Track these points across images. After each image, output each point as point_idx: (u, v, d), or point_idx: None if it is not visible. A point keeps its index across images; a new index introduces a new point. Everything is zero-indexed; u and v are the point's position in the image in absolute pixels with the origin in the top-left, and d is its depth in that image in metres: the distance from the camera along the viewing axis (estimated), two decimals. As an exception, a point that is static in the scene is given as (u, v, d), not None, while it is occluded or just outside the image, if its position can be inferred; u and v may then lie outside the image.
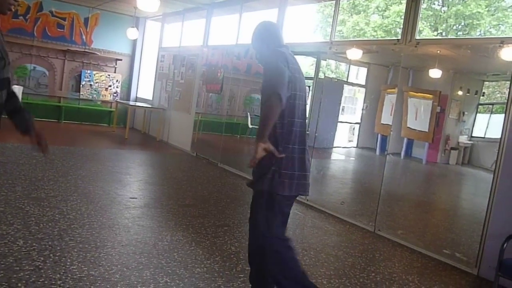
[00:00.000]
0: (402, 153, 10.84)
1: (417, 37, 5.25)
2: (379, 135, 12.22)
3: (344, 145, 13.21)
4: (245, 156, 10.60)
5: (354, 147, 13.39)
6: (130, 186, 5.92)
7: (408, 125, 10.46)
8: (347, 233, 5.08)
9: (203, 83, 9.61)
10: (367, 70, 13.29)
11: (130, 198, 5.29)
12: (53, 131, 10.01)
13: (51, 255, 3.36)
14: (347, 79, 14.28)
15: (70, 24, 11.21)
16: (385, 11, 17.81)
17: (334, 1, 6.46)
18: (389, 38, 15.62)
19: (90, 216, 4.40)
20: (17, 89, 9.87)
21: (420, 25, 6.00)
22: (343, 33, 17.81)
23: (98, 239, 3.82)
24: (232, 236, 4.38)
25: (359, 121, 13.43)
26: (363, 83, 13.60)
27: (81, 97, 11.49)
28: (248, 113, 12.25)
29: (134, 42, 11.99)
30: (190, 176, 7.12)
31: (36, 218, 4.10)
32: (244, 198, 6.13)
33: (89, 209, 4.60)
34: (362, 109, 13.38)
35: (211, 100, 12.45)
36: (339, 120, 12.59)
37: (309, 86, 12.90)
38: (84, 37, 11.42)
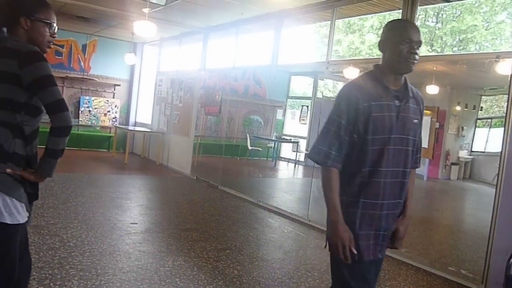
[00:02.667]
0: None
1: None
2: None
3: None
4: (245, 178, 10.57)
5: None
6: (131, 211, 5.88)
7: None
8: (351, 252, 5.02)
9: (202, 106, 9.63)
10: (365, 88, 13.36)
11: (131, 223, 5.24)
12: (52, 158, 9.96)
13: (51, 284, 3.31)
14: (345, 98, 14.32)
15: (68, 51, 11.30)
16: (379, 29, 17.98)
17: (330, 21, 6.50)
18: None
19: (91, 243, 4.35)
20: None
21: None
22: (339, 52, 17.95)
23: (99, 266, 3.77)
24: (234, 260, 4.33)
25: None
26: (361, 101, 13.66)
27: (80, 123, 11.51)
28: (247, 135, 12.27)
29: (132, 67, 12.06)
30: (190, 200, 7.08)
31: (36, 247, 4.06)
32: (245, 220, 6.09)
33: (90, 236, 4.55)
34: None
35: (210, 123, 12.46)
36: (338, 139, 12.60)
37: (307, 106, 12.98)
38: (82, 63, 11.50)
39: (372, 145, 2.00)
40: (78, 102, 11.48)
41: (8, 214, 1.91)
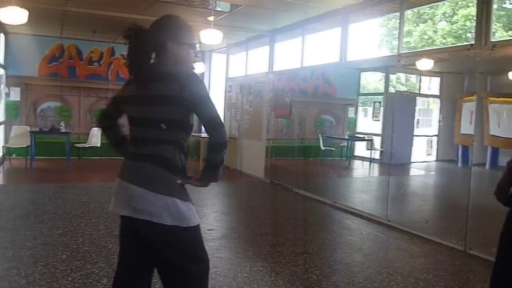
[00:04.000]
0: (488, 164, 10.21)
1: (492, 40, 4.91)
2: (459, 146, 11.63)
3: (422, 159, 12.68)
4: (320, 179, 10.42)
5: (433, 160, 12.82)
6: (207, 218, 5.94)
7: (491, 133, 9.87)
8: (435, 254, 4.75)
9: (272, 109, 9.61)
10: (440, 79, 12.77)
11: (208, 230, 5.28)
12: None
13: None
14: (419, 91, 13.81)
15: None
16: (452, 16, 17.15)
17: (399, 13, 6.24)
18: (460, 44, 14.97)
19: (170, 250, 4.42)
20: (96, 131, 10.37)
21: (493, 26, 5.64)
22: (410, 44, 17.32)
23: (178, 273, 3.81)
24: (312, 264, 4.22)
25: (436, 133, 12.88)
26: (437, 93, 13.07)
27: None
28: (320, 135, 12.11)
29: (202, 75, 12.28)
30: (265, 204, 7.06)
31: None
32: (322, 223, 5.97)
33: (168, 244, 4.63)
34: (439, 121, 12.82)
35: (281, 125, 12.42)
36: (415, 134, 12.13)
37: (379, 102, 12.61)
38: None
39: None
40: (153, 113, 11.86)
41: (194, 216, 2.13)
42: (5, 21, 6.62)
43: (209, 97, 2.10)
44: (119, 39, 10.71)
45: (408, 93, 13.31)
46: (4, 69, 10.26)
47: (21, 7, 6.13)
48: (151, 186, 2.05)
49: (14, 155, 10.34)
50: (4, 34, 10.09)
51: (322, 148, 11.83)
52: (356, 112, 13.50)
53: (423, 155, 12.65)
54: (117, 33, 10.02)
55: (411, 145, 11.82)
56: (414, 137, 12.03)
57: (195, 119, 2.10)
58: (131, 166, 2.16)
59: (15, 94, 10.61)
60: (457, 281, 4.00)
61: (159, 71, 2.09)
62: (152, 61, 2.15)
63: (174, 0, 7.13)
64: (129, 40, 2.10)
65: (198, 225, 2.15)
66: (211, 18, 7.63)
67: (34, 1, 7.00)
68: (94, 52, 11.24)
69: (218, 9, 7.64)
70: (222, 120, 2.11)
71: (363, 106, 14.44)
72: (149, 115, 2.09)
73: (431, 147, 12.79)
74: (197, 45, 2.23)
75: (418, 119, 12.47)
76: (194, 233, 2.14)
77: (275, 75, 9.53)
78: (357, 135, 12.64)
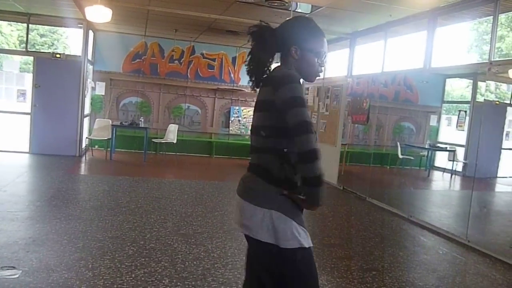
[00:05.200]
0: None
1: None
2: (553, 162, 10.67)
3: (510, 174, 11.78)
4: (395, 189, 9.97)
5: (524, 176, 11.87)
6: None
7: None
8: (521, 283, 4.31)
9: (349, 114, 9.32)
10: (535, 89, 11.80)
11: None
12: (204, 166, 10.51)
13: (193, 297, 3.34)
14: (511, 101, 12.84)
15: (219, 64, 11.86)
16: (553, 22, 15.84)
17: (492, 17, 5.77)
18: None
19: (234, 255, 4.35)
20: (173, 128, 10.62)
21: None
22: (502, 50, 16.22)
23: (239, 280, 3.72)
24: (381, 283, 3.97)
25: (527, 146, 11.91)
26: (531, 103, 12.09)
27: (230, 132, 11.99)
28: (398, 143, 11.61)
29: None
30: (336, 212, 6.81)
31: (183, 256, 4.18)
32: (394, 238, 5.65)
33: (233, 247, 4.57)
34: (532, 133, 11.85)
35: (358, 130, 12.07)
36: (503, 146, 11.30)
37: (465, 111, 11.88)
38: (232, 75, 11.97)
39: None
40: (229, 112, 11.96)
41: (298, 238, 1.89)
42: (91, 19, 6.90)
43: (300, 99, 1.81)
44: (199, 38, 10.90)
45: (498, 102, 12.43)
46: (92, 64, 10.77)
47: (106, 6, 6.36)
48: (252, 199, 1.92)
49: (96, 146, 10.86)
50: (93, 32, 10.59)
51: (400, 156, 11.32)
52: (439, 121, 12.83)
53: (512, 170, 11.75)
54: (197, 32, 10.20)
55: (499, 158, 11.02)
56: (503, 150, 11.21)
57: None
58: (242, 178, 2.07)
59: (100, 89, 11.13)
60: (546, 317, 3.59)
61: (273, 75, 1.94)
62: (277, 63, 2.02)
63: (255, 1, 7.08)
64: (252, 37, 1.99)
65: (304, 248, 1.88)
66: (291, 20, 7.51)
67: (119, 0, 7.25)
68: (175, 50, 11.52)
69: (299, 10, 7.50)
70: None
71: (447, 114, 13.69)
72: (254, 122, 2.00)
73: (522, 162, 11.86)
74: (325, 55, 2.05)
75: (508, 131, 11.59)
76: (294, 256, 1.86)
77: (354, 79, 9.23)
78: (438, 144, 11.98)
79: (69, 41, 25.71)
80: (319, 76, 2.10)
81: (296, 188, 1.90)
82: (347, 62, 9.47)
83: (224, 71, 11.91)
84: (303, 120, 1.78)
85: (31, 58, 10.40)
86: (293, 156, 1.83)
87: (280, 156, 1.89)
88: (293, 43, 1.97)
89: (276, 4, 7.20)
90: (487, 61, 5.73)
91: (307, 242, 1.90)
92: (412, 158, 11.64)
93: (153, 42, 11.42)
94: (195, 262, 4.05)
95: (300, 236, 1.88)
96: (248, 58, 1.99)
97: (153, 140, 10.73)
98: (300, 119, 1.77)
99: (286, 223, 1.86)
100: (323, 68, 2.05)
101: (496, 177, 11.13)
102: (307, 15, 7.68)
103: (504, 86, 14.30)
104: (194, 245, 4.54)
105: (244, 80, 12.00)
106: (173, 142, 10.52)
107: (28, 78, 15.89)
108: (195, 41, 11.41)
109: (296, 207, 1.92)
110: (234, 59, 11.96)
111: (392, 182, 10.92)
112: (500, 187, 11.21)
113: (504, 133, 11.52)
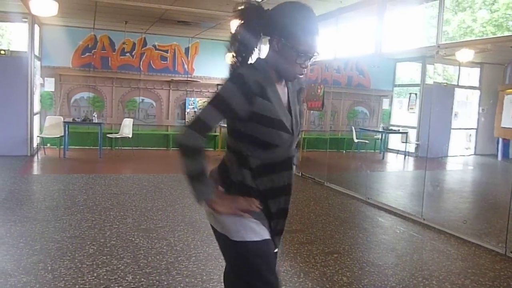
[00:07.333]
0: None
1: (541, 29, 4.58)
2: (500, 140, 11.19)
3: (460, 153, 12.25)
4: (352, 172, 10.19)
5: (472, 154, 12.38)
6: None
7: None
8: (473, 256, 4.51)
9: (304, 101, 9.41)
10: (480, 70, 12.29)
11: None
12: (162, 159, 10.39)
13: (158, 291, 3.32)
14: (458, 82, 13.32)
15: (172, 56, 11.69)
16: (493, 4, 16.46)
17: (438, 1, 5.94)
18: (500, 33, 14.36)
19: (197, 247, 4.34)
20: (128, 122, 10.43)
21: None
22: (448, 33, 16.75)
23: (204, 272, 3.73)
24: (343, 265, 4.06)
25: (475, 126, 12.41)
26: (477, 85, 12.58)
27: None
28: (353, 127, 11.85)
29: (233, 66, 12.17)
30: (296, 198, 6.90)
31: (145, 251, 4.13)
32: (353, 220, 5.78)
33: (196, 240, 4.55)
34: (478, 113, 12.35)
35: (313, 117, 12.22)
36: (452, 126, 11.73)
37: (415, 94, 12.24)
38: (186, 66, 11.83)
39: None
40: (184, 104, 11.83)
41: (243, 231, 1.84)
42: (36, 13, 6.65)
43: (217, 96, 1.77)
44: (150, 29, 10.70)
45: (446, 84, 12.85)
46: (39, 60, 10.40)
47: (52, -1, 6.14)
48: None
49: (48, 145, 10.53)
50: (39, 26, 10.20)
51: (355, 140, 11.57)
52: (391, 104, 13.17)
53: (461, 149, 12.22)
54: (148, 24, 10.00)
55: (449, 138, 11.44)
56: (452, 130, 11.64)
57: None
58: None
59: (50, 85, 10.76)
60: (497, 287, 3.77)
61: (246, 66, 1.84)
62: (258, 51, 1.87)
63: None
64: (239, 16, 1.84)
65: (254, 242, 1.82)
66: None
67: (65, -8, 7.02)
68: (126, 43, 11.27)
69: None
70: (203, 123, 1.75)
71: (398, 97, 14.04)
72: None
73: (470, 141, 12.35)
74: (310, 57, 1.80)
75: (456, 112, 12.03)
76: (243, 249, 1.83)
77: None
78: (391, 127, 12.31)
79: (14, 36, 24.69)
80: (298, 78, 1.90)
81: (242, 192, 1.85)
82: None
83: (177, 62, 11.75)
84: (198, 115, 1.77)
85: (-27, 55, 9.94)
86: (256, 162, 1.83)
87: (239, 159, 1.85)
88: (276, 33, 1.78)
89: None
90: (435, 45, 5.90)
91: (258, 235, 1.84)
92: (367, 141, 11.91)
93: (103, 35, 11.12)
94: (158, 257, 4.01)
95: (250, 229, 1.83)
96: (232, 38, 1.86)
97: (108, 135, 10.50)
98: (198, 113, 1.77)
99: (232, 218, 1.82)
100: (304, 70, 1.83)
101: (447, 156, 11.56)
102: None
103: (451, 68, 14.79)
104: (156, 239, 4.50)
105: (198, 70, 11.89)
106: (128, 137, 10.34)
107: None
108: (147, 32, 11.19)
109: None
110: (187, 49, 11.81)
111: (349, 166, 11.15)
112: (451, 165, 11.67)
113: (453, 113, 11.96)
